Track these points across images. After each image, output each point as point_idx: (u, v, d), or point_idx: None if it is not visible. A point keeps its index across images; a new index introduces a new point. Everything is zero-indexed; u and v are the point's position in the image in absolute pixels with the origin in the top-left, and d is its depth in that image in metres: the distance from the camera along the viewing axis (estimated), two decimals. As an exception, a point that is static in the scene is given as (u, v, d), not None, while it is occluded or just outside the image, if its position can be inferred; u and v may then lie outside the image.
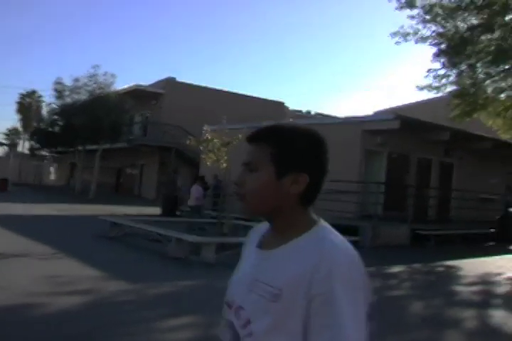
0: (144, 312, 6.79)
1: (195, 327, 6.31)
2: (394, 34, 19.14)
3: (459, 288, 10.21)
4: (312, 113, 43.85)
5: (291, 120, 26.52)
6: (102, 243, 12.97)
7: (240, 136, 14.71)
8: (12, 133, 68.97)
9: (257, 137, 1.49)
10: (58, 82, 32.48)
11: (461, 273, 12.07)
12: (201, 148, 14.03)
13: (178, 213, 21.25)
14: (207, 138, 13.94)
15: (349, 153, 18.56)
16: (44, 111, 56.06)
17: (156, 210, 22.64)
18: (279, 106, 38.64)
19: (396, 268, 12.25)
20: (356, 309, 1.28)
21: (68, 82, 32.42)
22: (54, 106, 33.58)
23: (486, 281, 11.31)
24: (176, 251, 10.93)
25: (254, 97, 37.62)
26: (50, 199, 28.00)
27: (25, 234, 13.11)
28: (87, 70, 31.66)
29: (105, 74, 31.08)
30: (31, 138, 37.10)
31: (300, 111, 41.76)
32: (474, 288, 10.36)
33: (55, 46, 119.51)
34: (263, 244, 1.52)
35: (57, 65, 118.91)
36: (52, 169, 55.75)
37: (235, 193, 1.47)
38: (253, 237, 1.61)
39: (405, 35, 19.06)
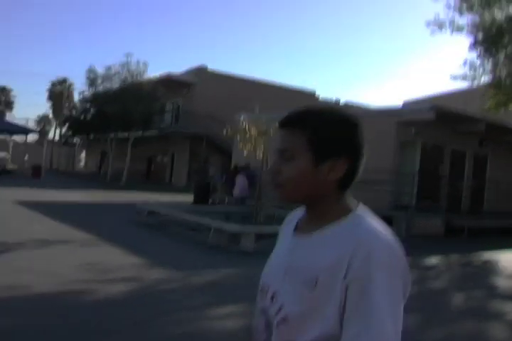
0: (189, 301, 6.89)
1: (241, 316, 6.37)
2: (429, 23, 18.97)
3: (499, 281, 10.18)
4: (341, 101, 43.50)
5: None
6: (140, 230, 13.12)
7: (276, 125, 14.81)
8: (43, 121, 69.57)
9: (291, 122, 1.42)
10: (91, 70, 32.79)
11: (499, 265, 12.00)
12: (238, 137, 14.01)
13: (210, 201, 21.36)
14: (244, 127, 13.95)
15: (383, 144, 18.48)
16: (75, 98, 56.90)
17: (188, 198, 22.76)
18: (310, 95, 38.50)
19: (433, 260, 12.24)
20: (393, 298, 1.25)
21: (101, 70, 32.76)
22: (86, 94, 33.82)
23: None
24: (216, 240, 11.03)
25: (286, 86, 37.50)
26: (83, 186, 28.36)
27: (64, 221, 13.33)
28: (119, 58, 31.94)
29: (137, 62, 31.29)
30: (63, 126, 37.45)
31: (331, 100, 41.44)
32: (513, 281, 10.32)
33: (86, 33, 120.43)
34: (299, 230, 1.49)
35: (89, 52, 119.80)
36: (82, 156, 56.36)
37: (271, 182, 1.43)
38: (289, 222, 1.58)
39: (441, 25, 18.87)
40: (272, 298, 1.42)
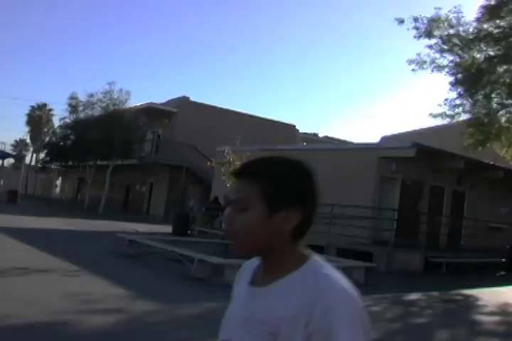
0: (177, 333, 6.86)
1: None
2: (411, 61, 19.40)
3: (481, 317, 10.21)
4: (320, 136, 43.98)
5: (304, 144, 26.75)
6: (121, 260, 13.02)
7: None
8: (19, 145, 69.24)
9: (245, 172, 1.44)
10: (73, 97, 32.84)
11: (480, 302, 12.07)
12: (222, 169, 14.10)
13: (189, 232, 21.31)
14: (229, 159, 14.07)
15: (364, 179, 18.72)
16: (54, 124, 56.78)
17: (166, 228, 22.69)
18: (290, 128, 38.85)
19: (414, 296, 12.24)
20: None
21: (83, 97, 32.80)
22: (67, 120, 33.84)
23: (506, 312, 11.34)
24: (198, 272, 10.98)
25: (266, 118, 37.83)
26: (59, 213, 28.02)
27: (43, 249, 13.17)
28: (102, 86, 32.03)
29: (120, 90, 31.41)
30: (42, 151, 37.25)
31: (310, 134, 41.90)
32: (496, 318, 10.37)
33: (67, 60, 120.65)
34: (254, 281, 1.47)
35: (69, 79, 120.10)
36: (58, 183, 55.90)
37: (224, 232, 1.47)
38: (244, 274, 1.56)
39: (422, 64, 19.32)
40: None
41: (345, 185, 18.73)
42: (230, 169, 13.94)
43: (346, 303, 1.27)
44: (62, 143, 34.78)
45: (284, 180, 1.38)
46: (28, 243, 14.14)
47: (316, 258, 1.40)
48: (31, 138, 64.71)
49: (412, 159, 18.37)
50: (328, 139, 40.42)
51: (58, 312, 7.22)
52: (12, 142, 69.40)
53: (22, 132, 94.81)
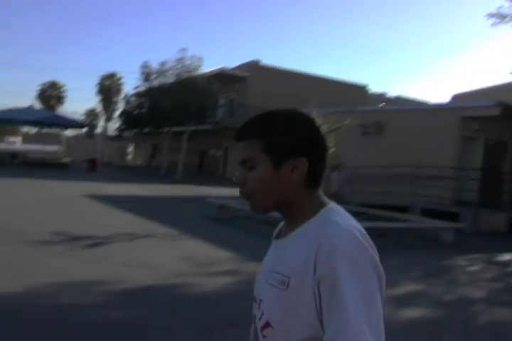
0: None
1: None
2: (491, 15, 18.87)
3: None
4: (392, 95, 43.20)
5: (382, 104, 26.42)
6: (216, 224, 13.39)
7: (348, 121, 14.91)
8: (91, 115, 70.73)
9: (245, 133, 1.46)
10: (145, 66, 33.18)
11: None
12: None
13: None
14: None
15: (445, 139, 18.47)
16: (123, 93, 57.74)
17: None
18: (361, 88, 38.44)
19: (508, 256, 12.21)
20: (365, 290, 1.23)
21: (155, 65, 33.16)
22: (141, 88, 34.27)
23: None
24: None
25: (337, 80, 37.48)
26: (139, 180, 28.80)
27: (139, 215, 13.71)
28: (173, 54, 32.22)
29: (192, 57, 31.55)
30: (118, 120, 37.95)
31: (382, 94, 41.27)
32: None
33: (137, 28, 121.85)
34: (279, 235, 1.52)
35: (139, 47, 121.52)
36: (130, 150, 56.94)
37: (240, 193, 1.46)
38: (276, 231, 1.60)
39: (503, 17, 18.77)
40: (259, 305, 1.45)
41: (427, 146, 18.56)
42: (330, 128, 13.78)
43: (351, 246, 1.26)
44: (136, 111, 35.40)
45: (282, 132, 1.41)
46: (121, 209, 14.76)
47: (332, 206, 1.43)
48: (103, 107, 65.97)
49: (495, 118, 17.96)
50: (400, 99, 39.70)
51: (175, 275, 7.59)
52: (84, 112, 70.73)
53: (93, 102, 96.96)
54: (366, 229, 1.40)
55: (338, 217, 1.37)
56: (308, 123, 1.46)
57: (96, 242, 9.60)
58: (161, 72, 32.68)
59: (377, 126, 20.31)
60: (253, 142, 1.43)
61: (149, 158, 45.87)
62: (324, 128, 13.88)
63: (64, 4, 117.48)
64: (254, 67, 34.44)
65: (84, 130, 51.92)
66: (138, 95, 36.18)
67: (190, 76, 31.11)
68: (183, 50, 31.48)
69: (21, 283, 6.43)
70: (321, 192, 1.46)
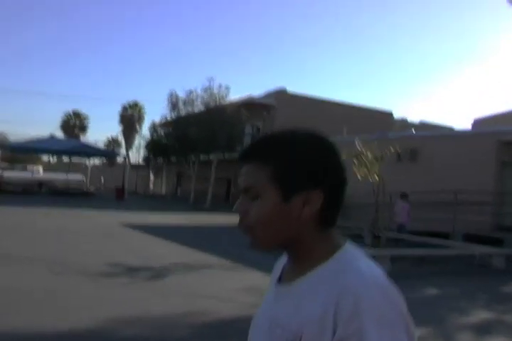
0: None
1: None
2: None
3: None
4: (417, 121, 43.10)
5: (413, 131, 26.36)
6: (263, 253, 13.26)
7: (392, 148, 14.83)
8: (111, 144, 71.25)
9: (251, 154, 1.24)
10: (172, 95, 33.45)
11: None
12: (354, 161, 13.97)
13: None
14: (360, 151, 13.97)
15: (483, 165, 18.34)
16: (146, 122, 58.23)
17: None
18: (387, 115, 38.47)
19: None
20: None
21: (181, 94, 33.47)
22: (167, 117, 34.52)
23: None
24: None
25: (362, 107, 37.54)
26: (170, 209, 28.76)
27: (185, 244, 13.68)
28: (198, 82, 32.46)
29: (219, 86, 31.79)
30: (145, 149, 38.19)
31: (404, 120, 41.20)
32: None
33: (156, 58, 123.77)
34: (282, 279, 1.30)
35: (161, 77, 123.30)
36: (151, 178, 57.13)
37: (238, 225, 1.23)
38: (276, 271, 1.38)
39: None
40: None
41: (464, 171, 18.44)
42: (362, 160, 13.83)
43: (381, 302, 1.05)
44: (164, 141, 35.65)
45: (296, 157, 1.18)
46: (165, 239, 14.72)
47: (349, 248, 1.20)
48: (124, 136, 66.41)
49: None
50: (424, 124, 39.61)
51: (247, 306, 7.47)
52: (105, 140, 71.35)
53: (114, 131, 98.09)
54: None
55: (360, 262, 1.15)
56: (329, 148, 1.22)
57: (155, 274, 9.54)
58: (188, 101, 32.90)
59: (412, 153, 20.26)
60: (260, 166, 1.19)
61: (175, 186, 45.93)
62: (369, 157, 13.82)
63: (87, 34, 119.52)
64: (281, 95, 34.58)
65: (109, 159, 52.33)
66: (164, 124, 36.43)
67: (217, 105, 31.28)
68: (210, 79, 31.76)
69: (101, 316, 6.37)
70: (335, 232, 1.24)
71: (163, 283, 8.80)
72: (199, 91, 32.46)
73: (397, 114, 40.68)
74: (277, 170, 1.17)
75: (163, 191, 52.41)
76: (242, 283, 9.20)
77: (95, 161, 45.97)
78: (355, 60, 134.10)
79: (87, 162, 53.08)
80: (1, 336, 5.44)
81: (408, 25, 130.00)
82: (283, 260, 1.37)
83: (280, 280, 1.30)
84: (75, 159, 53.25)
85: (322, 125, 31.91)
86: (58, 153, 40.58)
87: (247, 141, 34.37)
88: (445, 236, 16.81)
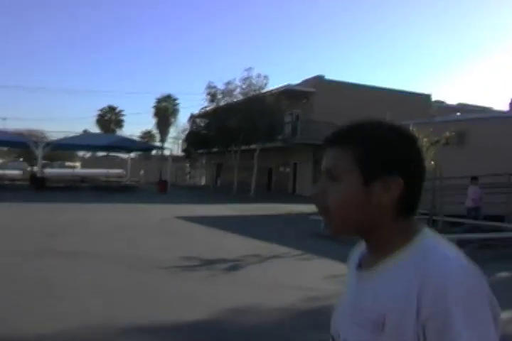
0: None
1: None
2: None
3: None
4: (453, 104, 42.65)
5: (458, 114, 26.14)
6: (330, 242, 13.33)
7: (447, 133, 14.75)
8: (146, 136, 71.86)
9: (337, 139, 1.27)
10: (211, 86, 33.64)
11: None
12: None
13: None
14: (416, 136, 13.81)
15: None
16: (180, 114, 58.57)
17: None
18: (425, 98, 38.14)
19: None
20: (484, 334, 1.04)
21: (220, 85, 33.63)
22: (207, 109, 34.73)
23: None
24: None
25: (401, 91, 37.28)
26: (216, 200, 28.99)
27: (247, 235, 13.83)
28: (240, 73, 32.60)
29: (259, 76, 31.86)
30: (185, 141, 38.41)
31: (443, 102, 40.81)
32: None
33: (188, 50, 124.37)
34: (362, 265, 1.31)
35: (194, 69, 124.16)
36: (189, 170, 57.45)
37: (316, 207, 1.26)
38: (354, 257, 1.39)
39: None
40: None
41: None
42: (431, 141, 13.65)
43: (464, 284, 1.06)
44: (204, 132, 35.89)
45: (381, 145, 1.21)
46: (225, 230, 14.92)
47: (428, 233, 1.21)
48: (159, 129, 67.03)
49: None
50: (464, 106, 39.22)
51: (336, 294, 7.55)
52: (139, 134, 72.00)
53: (149, 125, 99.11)
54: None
55: (442, 246, 1.16)
56: (412, 140, 1.26)
57: (232, 265, 9.69)
58: (227, 92, 33.04)
59: (459, 136, 20.05)
60: (346, 150, 1.23)
61: (214, 177, 46.22)
62: (424, 142, 13.72)
63: (118, 28, 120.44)
64: (319, 82, 34.55)
65: (146, 152, 52.80)
66: (203, 116, 36.66)
67: (258, 94, 31.34)
68: (249, 69, 31.86)
69: (202, 310, 6.52)
70: (414, 219, 1.25)
71: (244, 275, 8.95)
72: (237, 81, 32.63)
73: (435, 97, 40.22)
74: (361, 155, 1.21)
75: (203, 182, 52.80)
76: (318, 272, 9.31)
77: (130, 155, 46.26)
78: (383, 45, 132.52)
79: (125, 156, 53.66)
80: (117, 329, 5.63)
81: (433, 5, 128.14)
82: (360, 247, 1.38)
83: (360, 266, 1.31)
84: (111, 154, 54.01)
85: (360, 110, 32.08)
86: (100, 148, 41.04)
87: (287, 129, 34.43)
88: (500, 219, 16.71)
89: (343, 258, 7.51)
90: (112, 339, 5.44)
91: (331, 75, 52.20)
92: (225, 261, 10.08)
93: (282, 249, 11.81)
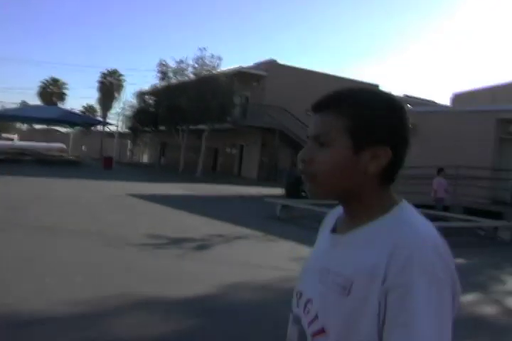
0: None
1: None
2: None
3: None
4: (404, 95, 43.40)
5: (408, 106, 26.79)
6: (287, 224, 13.70)
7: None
8: (89, 111, 70.55)
9: (327, 104, 1.24)
10: (162, 64, 33.33)
11: None
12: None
13: (303, 194, 21.95)
14: None
15: (482, 141, 18.93)
16: (123, 90, 57.72)
17: (271, 190, 23.61)
18: (373, 87, 38.85)
19: None
20: (440, 308, 1.06)
21: (171, 63, 33.39)
22: (158, 86, 34.45)
23: None
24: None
25: (351, 79, 37.85)
26: (163, 178, 28.90)
27: (205, 215, 13.98)
28: (192, 53, 32.38)
29: (212, 56, 31.76)
30: (132, 118, 37.94)
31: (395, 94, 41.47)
32: None
33: (135, 26, 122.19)
34: (337, 229, 1.32)
35: (140, 45, 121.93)
36: (130, 147, 56.71)
37: (301, 172, 1.24)
38: (328, 221, 1.41)
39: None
40: (306, 304, 1.27)
41: (463, 148, 18.98)
42: None
43: (431, 256, 1.10)
44: (152, 110, 35.63)
45: (373, 113, 1.20)
46: (181, 209, 14.99)
47: (405, 205, 1.24)
48: (101, 104, 65.90)
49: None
50: (410, 98, 40.03)
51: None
52: (81, 108, 70.63)
53: (92, 100, 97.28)
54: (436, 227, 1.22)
55: (416, 219, 1.19)
56: (401, 110, 1.25)
57: (201, 244, 9.91)
58: (178, 71, 32.82)
59: (411, 128, 20.63)
60: (336, 116, 1.21)
61: (159, 156, 45.95)
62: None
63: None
64: (270, 65, 34.66)
65: (87, 127, 51.88)
66: (152, 93, 36.35)
67: (209, 75, 31.27)
68: (203, 49, 31.75)
69: (188, 287, 6.74)
70: (392, 189, 1.27)
71: (216, 254, 9.16)
72: (190, 61, 32.45)
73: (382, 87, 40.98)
74: (353, 122, 1.20)
75: (145, 160, 52.40)
76: (285, 253, 9.62)
77: (72, 129, 45.34)
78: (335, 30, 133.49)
79: (64, 130, 52.49)
80: (109, 304, 5.77)
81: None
82: (336, 212, 1.40)
83: (335, 231, 1.32)
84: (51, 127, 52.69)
85: (310, 96, 32.37)
86: (44, 121, 40.07)
87: (236, 110, 34.53)
88: (445, 209, 17.39)
89: (304, 241, 7.81)
90: (105, 313, 5.55)
91: (284, 60, 52.36)
92: (192, 239, 10.24)
93: (244, 230, 12.05)
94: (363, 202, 1.23)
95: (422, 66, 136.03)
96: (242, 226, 12.60)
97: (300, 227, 13.47)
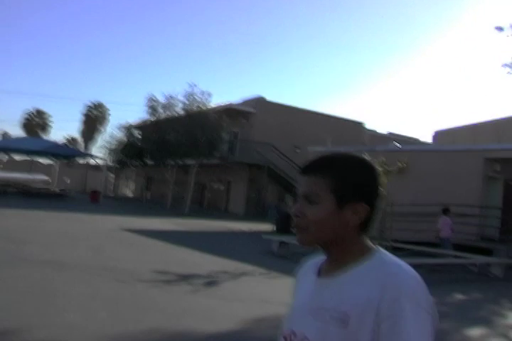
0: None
1: None
2: (506, 65, 20.10)
3: None
4: (387, 133, 44.16)
5: (397, 144, 27.32)
6: (283, 260, 13.85)
7: (399, 163, 15.59)
8: (71, 144, 70.44)
9: (313, 169, 1.51)
10: (152, 99, 33.63)
11: None
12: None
13: (293, 230, 22.18)
14: (382, 161, 14.06)
15: (470, 179, 19.42)
16: (109, 124, 57.78)
17: (261, 226, 23.82)
18: (358, 126, 39.59)
19: None
20: (425, 331, 1.29)
21: (161, 99, 33.69)
22: (147, 121, 34.66)
23: None
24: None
25: (336, 117, 38.53)
26: (150, 213, 28.99)
27: (205, 251, 14.16)
28: (181, 88, 32.61)
29: (202, 93, 32.14)
30: (122, 151, 37.92)
31: (375, 131, 42.26)
32: None
33: (122, 61, 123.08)
34: (322, 273, 1.54)
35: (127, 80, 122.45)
36: (113, 181, 56.35)
37: (295, 225, 1.50)
38: (306, 268, 1.66)
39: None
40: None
41: (451, 185, 19.44)
42: (385, 170, 14.04)
43: (416, 290, 1.34)
44: (140, 144, 35.80)
45: (351, 175, 1.47)
46: (179, 245, 15.15)
47: (382, 250, 1.49)
48: (84, 137, 65.95)
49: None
50: (394, 136, 40.79)
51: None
52: (64, 140, 70.41)
53: (76, 132, 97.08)
54: (423, 265, 1.46)
55: (396, 260, 1.43)
56: (373, 169, 1.53)
57: (209, 281, 10.08)
58: (168, 106, 33.13)
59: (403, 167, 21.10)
60: (323, 179, 1.48)
61: (143, 190, 45.81)
62: (379, 170, 14.38)
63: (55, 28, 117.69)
64: (259, 103, 35.11)
65: (70, 160, 51.71)
66: (140, 127, 36.55)
67: (199, 111, 31.59)
68: (193, 84, 32.11)
69: (209, 323, 6.89)
70: (367, 238, 1.52)
71: (225, 290, 9.33)
72: (179, 96, 32.77)
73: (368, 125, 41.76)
74: (336, 184, 1.46)
75: (129, 194, 52.16)
76: (291, 289, 9.74)
77: (56, 161, 45.16)
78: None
79: (46, 162, 52.02)
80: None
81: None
82: (313, 261, 1.65)
83: (319, 274, 1.55)
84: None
85: (297, 132, 32.98)
86: (32, 153, 39.76)
87: (224, 146, 34.79)
88: (435, 245, 17.69)
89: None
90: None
91: (271, 97, 53.11)
92: (198, 276, 10.39)
93: (246, 267, 12.20)
94: (346, 248, 1.48)
95: (403, 102, 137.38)
96: (242, 262, 12.77)
97: (298, 263, 13.53)
